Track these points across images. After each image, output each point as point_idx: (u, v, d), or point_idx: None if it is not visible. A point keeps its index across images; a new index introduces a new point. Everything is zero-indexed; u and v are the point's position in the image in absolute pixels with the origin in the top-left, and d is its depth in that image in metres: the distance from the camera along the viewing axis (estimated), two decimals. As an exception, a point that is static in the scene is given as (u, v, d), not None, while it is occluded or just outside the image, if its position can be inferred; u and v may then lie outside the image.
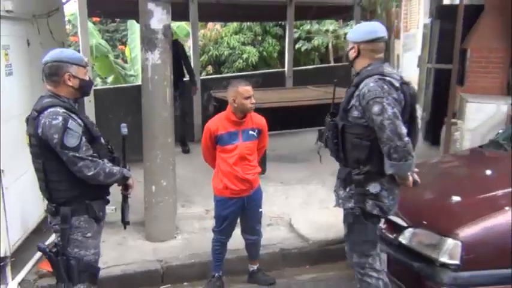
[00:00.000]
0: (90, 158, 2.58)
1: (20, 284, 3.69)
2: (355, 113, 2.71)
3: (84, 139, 2.58)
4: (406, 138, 2.55)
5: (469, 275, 2.65)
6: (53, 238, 3.06)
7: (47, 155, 2.59)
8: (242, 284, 3.86)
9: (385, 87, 2.60)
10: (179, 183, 4.95)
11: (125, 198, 2.94)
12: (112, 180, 2.71)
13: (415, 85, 9.72)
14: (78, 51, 7.86)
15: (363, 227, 2.80)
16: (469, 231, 2.71)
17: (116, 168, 2.72)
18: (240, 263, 3.96)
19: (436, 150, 6.33)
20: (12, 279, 3.68)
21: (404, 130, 2.56)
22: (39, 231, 4.27)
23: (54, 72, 2.62)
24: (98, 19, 12.30)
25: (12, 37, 3.76)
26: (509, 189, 2.96)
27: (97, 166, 2.59)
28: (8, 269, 3.66)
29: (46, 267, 3.76)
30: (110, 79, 11.44)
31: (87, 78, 2.73)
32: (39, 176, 2.69)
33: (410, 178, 2.70)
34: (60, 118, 2.52)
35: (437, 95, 6.81)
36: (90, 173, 2.57)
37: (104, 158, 2.71)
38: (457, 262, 2.66)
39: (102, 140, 2.79)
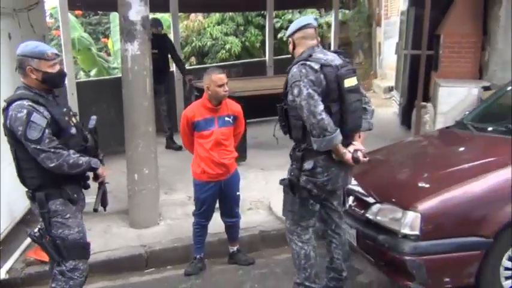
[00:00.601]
0: (52, 150, 2.66)
1: (7, 272, 3.81)
2: (290, 97, 2.94)
3: (47, 131, 2.66)
4: (320, 116, 2.75)
5: (428, 244, 2.83)
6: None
7: (17, 144, 2.72)
8: (223, 265, 4.02)
9: (303, 70, 2.83)
10: (163, 172, 5.08)
11: (100, 186, 3.05)
12: (77, 170, 2.77)
13: (393, 71, 9.95)
14: (60, 44, 7.92)
15: (289, 197, 3.07)
16: (427, 204, 2.88)
17: (83, 159, 2.78)
18: (220, 246, 4.13)
19: (410, 134, 6.53)
20: (0, 267, 3.80)
21: (318, 108, 2.76)
22: (26, 221, 4.39)
23: (19, 66, 2.75)
24: (80, 12, 12.27)
25: (-7, 31, 3.86)
26: (467, 165, 3.15)
27: (59, 158, 2.67)
28: (-4, 257, 3.80)
29: (33, 255, 3.90)
30: (93, 72, 11.44)
31: (52, 71, 2.76)
32: (14, 164, 2.83)
33: (348, 154, 2.88)
34: (25, 111, 2.63)
35: (413, 81, 6.97)
36: (52, 165, 2.66)
37: (74, 148, 2.79)
38: (416, 233, 2.84)
39: (73, 130, 2.84)
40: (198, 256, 3.91)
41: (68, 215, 2.85)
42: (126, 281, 3.91)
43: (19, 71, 2.76)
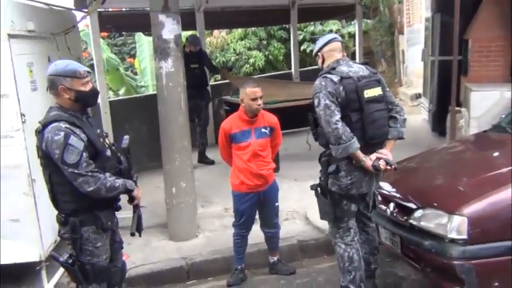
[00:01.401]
0: (90, 173, 2.58)
1: (55, 286, 3.92)
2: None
3: (85, 155, 2.58)
4: (335, 126, 2.93)
5: (476, 248, 2.80)
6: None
7: (52, 167, 2.64)
8: (264, 275, 4.04)
9: (323, 83, 3.03)
10: (198, 186, 5.15)
11: (134, 209, 2.97)
12: (114, 194, 2.71)
13: (420, 79, 9.89)
14: (91, 65, 8.17)
15: (320, 200, 3.26)
16: (474, 207, 2.86)
17: (119, 182, 2.72)
18: (260, 256, 4.15)
19: (443, 140, 6.46)
20: (48, 282, 3.91)
21: (334, 118, 2.94)
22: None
23: (50, 86, 2.69)
24: (105, 34, 12.61)
25: (35, 55, 4.01)
26: (511, 168, 3.12)
27: (97, 181, 2.59)
28: (44, 273, 3.90)
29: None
30: (121, 91, 11.71)
31: (85, 89, 2.69)
32: (47, 187, 2.75)
33: (368, 162, 3.01)
34: (62, 134, 2.55)
35: (442, 87, 6.95)
36: (90, 189, 2.58)
37: (110, 170, 2.74)
38: (464, 237, 2.81)
39: (108, 153, 2.80)
40: (239, 267, 3.94)
41: (99, 244, 2.79)
42: (169, 293, 3.96)
43: (51, 92, 2.70)
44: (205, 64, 7.11)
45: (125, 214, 3.11)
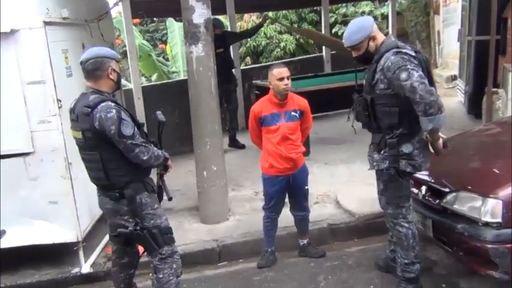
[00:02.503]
0: (143, 144, 2.85)
1: (91, 266, 4.07)
2: (381, 86, 3.01)
3: (135, 128, 2.83)
4: (437, 94, 2.81)
5: (511, 231, 2.74)
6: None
7: (104, 145, 2.82)
8: (294, 258, 4.06)
9: (405, 56, 2.90)
10: (228, 170, 5.20)
11: (161, 177, 3.19)
12: (159, 162, 3.00)
13: (455, 60, 9.60)
14: (124, 52, 8.29)
15: (398, 184, 3.12)
16: (509, 190, 2.79)
17: (160, 152, 2.99)
18: (290, 239, 4.17)
19: (479, 122, 6.28)
20: (85, 262, 4.06)
21: (432, 88, 2.80)
22: (103, 219, 4.64)
23: (98, 67, 2.84)
24: (138, 21, 12.75)
25: (69, 41, 4.11)
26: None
27: (149, 151, 2.87)
28: (81, 253, 4.05)
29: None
30: (153, 77, 11.86)
31: (120, 72, 3.00)
32: (95, 167, 2.91)
33: (442, 139, 2.97)
34: (114, 111, 2.75)
35: (479, 68, 6.73)
36: (145, 158, 2.85)
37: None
38: (498, 220, 2.76)
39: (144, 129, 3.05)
40: (269, 249, 3.99)
41: (156, 205, 3.05)
42: (201, 274, 4.04)
43: (93, 74, 2.85)
44: (234, 41, 7.09)
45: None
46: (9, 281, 3.94)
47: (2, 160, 3.83)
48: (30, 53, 3.63)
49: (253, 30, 8.05)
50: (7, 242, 3.83)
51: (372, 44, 3.06)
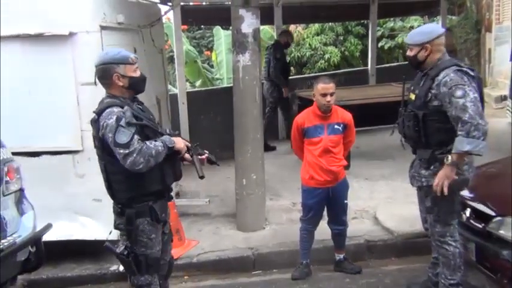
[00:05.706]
0: (136, 148, 2.50)
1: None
2: (436, 102, 2.99)
3: (136, 137, 2.53)
4: (487, 121, 2.79)
5: (559, 262, 2.64)
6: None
7: (107, 157, 2.65)
8: (329, 272, 4.02)
9: (465, 77, 2.90)
10: (267, 179, 5.22)
11: (191, 156, 2.83)
12: (162, 156, 2.61)
13: (507, 80, 9.28)
14: (171, 57, 8.48)
15: (451, 199, 3.04)
16: (560, 218, 2.69)
17: (158, 144, 2.61)
18: (326, 253, 4.13)
19: (530, 146, 6.04)
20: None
21: (483, 113, 2.79)
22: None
23: (101, 76, 2.68)
24: (185, 27, 13.04)
25: (123, 46, 4.19)
26: None
27: (145, 154, 2.52)
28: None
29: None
30: (198, 83, 12.07)
31: (136, 75, 2.70)
32: (103, 177, 2.75)
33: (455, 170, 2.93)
34: (114, 117, 2.53)
35: (532, 89, 6.49)
36: (141, 166, 2.52)
37: None
38: (546, 249, 2.66)
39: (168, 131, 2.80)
40: (304, 261, 3.96)
41: (153, 235, 2.78)
42: (235, 281, 4.06)
43: (102, 81, 2.71)
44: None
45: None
46: (51, 273, 4.09)
47: (52, 156, 4.01)
48: (86, 55, 3.76)
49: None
50: (52, 235, 3.97)
51: (422, 53, 3.03)
